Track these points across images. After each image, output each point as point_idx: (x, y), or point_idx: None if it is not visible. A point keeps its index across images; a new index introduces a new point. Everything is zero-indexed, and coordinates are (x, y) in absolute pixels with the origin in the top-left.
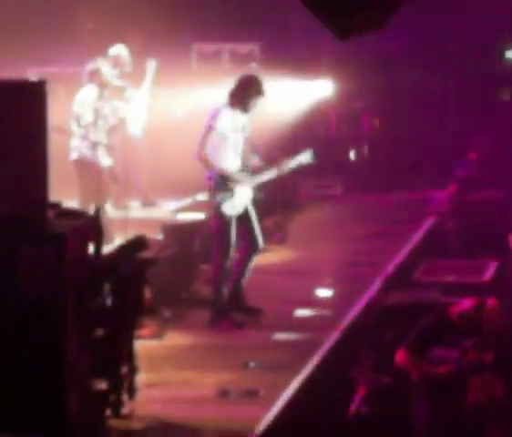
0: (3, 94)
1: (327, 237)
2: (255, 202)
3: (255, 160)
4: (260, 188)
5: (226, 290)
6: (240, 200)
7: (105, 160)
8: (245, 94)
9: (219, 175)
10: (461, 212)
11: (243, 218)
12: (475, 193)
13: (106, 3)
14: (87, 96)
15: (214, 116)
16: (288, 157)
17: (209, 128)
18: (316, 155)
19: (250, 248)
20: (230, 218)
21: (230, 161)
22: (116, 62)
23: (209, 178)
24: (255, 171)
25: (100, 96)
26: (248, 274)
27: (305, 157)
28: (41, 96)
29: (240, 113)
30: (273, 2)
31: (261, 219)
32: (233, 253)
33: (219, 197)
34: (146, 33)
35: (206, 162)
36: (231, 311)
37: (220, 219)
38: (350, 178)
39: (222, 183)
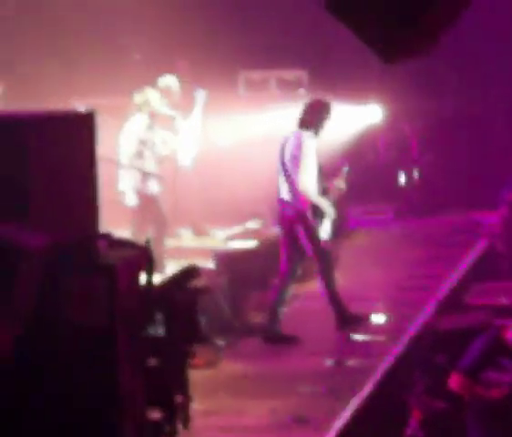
0: (53, 124)
1: (377, 262)
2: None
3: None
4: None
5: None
6: (328, 224)
7: (155, 189)
8: (318, 117)
9: (312, 202)
10: None
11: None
12: None
13: (152, 33)
14: (135, 126)
15: (299, 142)
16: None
17: (299, 155)
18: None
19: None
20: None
21: (314, 186)
22: (165, 92)
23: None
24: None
25: (149, 127)
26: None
27: (345, 172)
28: (90, 126)
29: (314, 135)
30: (319, 27)
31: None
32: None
33: (316, 222)
34: (193, 62)
35: (303, 194)
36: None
37: (318, 244)
38: (400, 203)
39: (315, 209)
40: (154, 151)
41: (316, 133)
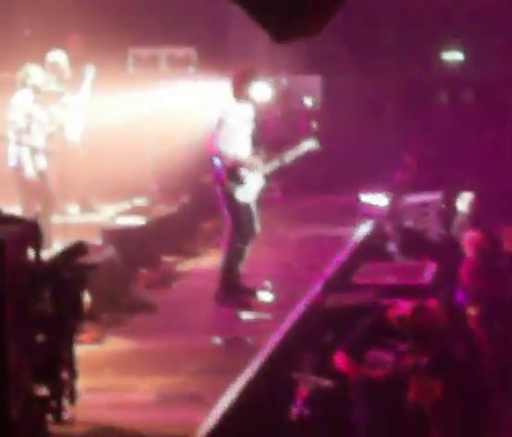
0: None
1: (265, 240)
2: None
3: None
4: (267, 178)
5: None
6: (252, 187)
7: (42, 165)
8: (244, 84)
9: (231, 164)
10: (399, 215)
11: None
12: (412, 196)
13: (43, 9)
14: (19, 101)
15: (225, 110)
16: (292, 146)
17: (221, 123)
18: (319, 142)
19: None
20: (246, 204)
21: (243, 152)
22: (53, 67)
23: (219, 171)
24: (264, 160)
25: (34, 102)
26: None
27: (310, 145)
28: None
29: (245, 104)
30: (210, 4)
31: (199, 223)
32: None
33: (230, 185)
34: (83, 38)
35: (219, 154)
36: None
37: (235, 207)
38: (288, 181)
39: (234, 172)
40: (41, 126)
41: (247, 99)
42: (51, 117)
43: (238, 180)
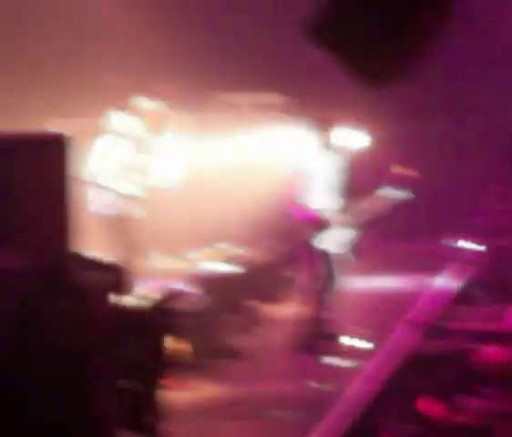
0: (24, 145)
1: (357, 285)
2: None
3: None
4: (351, 227)
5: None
6: (336, 236)
7: (129, 210)
8: (328, 132)
9: (311, 214)
10: (485, 261)
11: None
12: (497, 241)
13: (127, 55)
14: (102, 147)
15: (305, 159)
16: (380, 195)
17: (301, 171)
18: (413, 192)
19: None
20: (328, 252)
21: (324, 201)
22: (137, 112)
23: (301, 219)
24: (347, 210)
25: (118, 147)
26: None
27: (401, 194)
28: (62, 147)
29: (328, 152)
30: (296, 51)
31: (284, 269)
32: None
33: (311, 234)
34: (169, 84)
35: (298, 203)
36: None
37: (317, 255)
38: (380, 228)
39: (315, 222)
40: (124, 172)
41: (328, 147)
42: (135, 163)
43: (320, 229)
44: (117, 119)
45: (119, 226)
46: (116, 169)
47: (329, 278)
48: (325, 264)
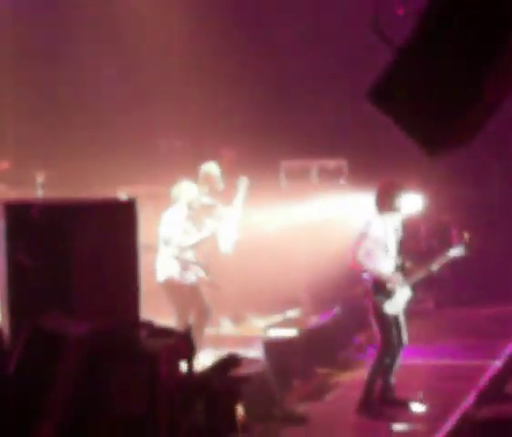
0: (96, 212)
1: (418, 350)
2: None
3: (408, 260)
4: (415, 289)
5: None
6: (399, 299)
7: (195, 278)
8: (389, 197)
9: (375, 277)
10: None
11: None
12: None
13: (194, 122)
14: (172, 216)
15: (366, 224)
16: (439, 254)
17: (363, 236)
18: (468, 249)
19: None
20: (393, 316)
21: (385, 263)
22: (207, 179)
23: (367, 283)
24: (410, 271)
25: (188, 217)
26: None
27: (458, 252)
28: (131, 214)
29: (389, 216)
30: (360, 117)
31: (352, 334)
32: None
33: (377, 298)
34: (235, 151)
35: (361, 267)
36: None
37: (383, 319)
38: (441, 292)
39: (380, 285)
40: (196, 240)
41: (392, 211)
42: (203, 228)
43: (384, 293)
44: (189, 189)
45: (189, 293)
46: (187, 237)
47: (396, 342)
48: (392, 328)
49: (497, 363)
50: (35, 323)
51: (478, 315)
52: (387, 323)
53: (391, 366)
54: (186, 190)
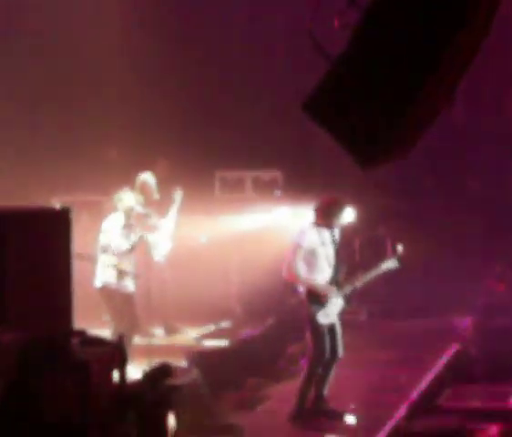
0: (29, 221)
1: (350, 362)
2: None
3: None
4: (349, 300)
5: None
6: (332, 310)
7: (130, 287)
8: (330, 214)
9: (309, 288)
10: (484, 339)
11: (330, 327)
12: (497, 320)
13: (129, 132)
14: (111, 224)
15: (300, 234)
16: (372, 266)
17: (297, 246)
18: (401, 261)
19: (330, 355)
20: (325, 327)
21: (320, 274)
22: (142, 188)
23: (301, 294)
24: (344, 282)
25: (125, 225)
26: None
27: (391, 264)
28: (66, 222)
29: (326, 229)
30: (295, 130)
31: (285, 345)
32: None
33: (313, 307)
34: (171, 162)
35: (296, 279)
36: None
37: (316, 329)
38: (374, 304)
39: (314, 296)
40: (129, 250)
41: (329, 226)
42: (137, 238)
43: (318, 303)
44: (127, 198)
45: (123, 301)
46: (121, 245)
47: (332, 353)
48: (326, 338)
49: (429, 376)
50: None
51: (411, 327)
52: (320, 333)
53: (324, 377)
54: (124, 199)
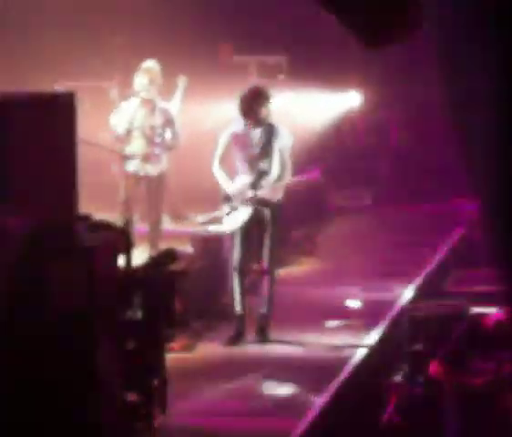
0: (32, 106)
1: (356, 248)
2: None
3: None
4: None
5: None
6: (238, 216)
7: (145, 172)
8: (255, 105)
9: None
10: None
11: (245, 235)
12: None
13: (135, 18)
14: (125, 108)
15: (228, 130)
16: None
17: (224, 142)
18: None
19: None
20: (233, 232)
21: (243, 174)
22: (146, 72)
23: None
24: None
25: (137, 110)
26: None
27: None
28: (70, 108)
29: (253, 125)
30: (301, 14)
31: (290, 231)
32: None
33: (223, 211)
34: (176, 48)
35: (213, 173)
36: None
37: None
38: (379, 189)
39: (227, 197)
40: (141, 133)
41: (256, 121)
42: (150, 124)
43: (230, 206)
44: (137, 81)
45: (133, 186)
46: (133, 129)
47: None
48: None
49: (434, 260)
50: None
51: (416, 212)
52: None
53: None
54: (137, 83)
